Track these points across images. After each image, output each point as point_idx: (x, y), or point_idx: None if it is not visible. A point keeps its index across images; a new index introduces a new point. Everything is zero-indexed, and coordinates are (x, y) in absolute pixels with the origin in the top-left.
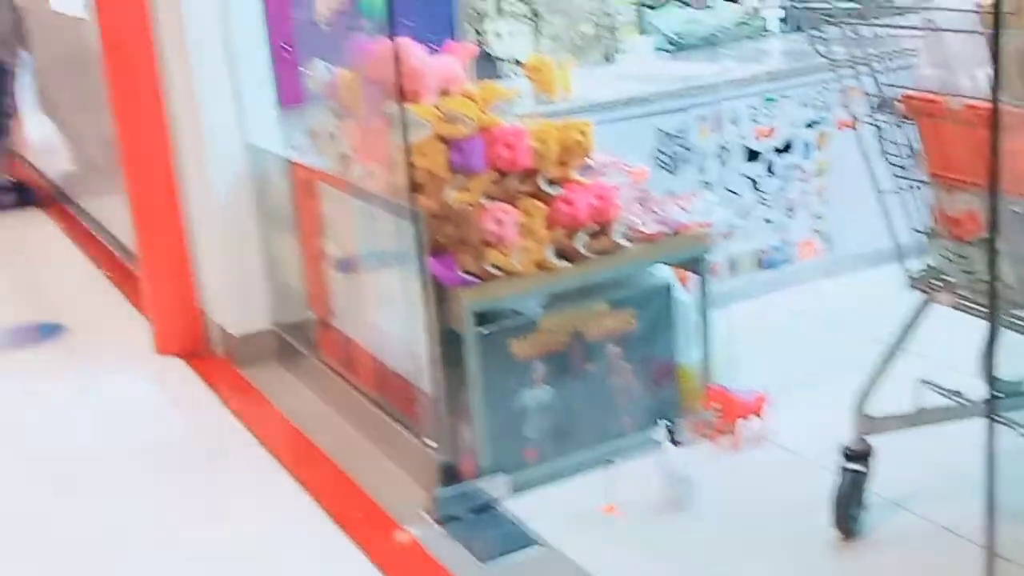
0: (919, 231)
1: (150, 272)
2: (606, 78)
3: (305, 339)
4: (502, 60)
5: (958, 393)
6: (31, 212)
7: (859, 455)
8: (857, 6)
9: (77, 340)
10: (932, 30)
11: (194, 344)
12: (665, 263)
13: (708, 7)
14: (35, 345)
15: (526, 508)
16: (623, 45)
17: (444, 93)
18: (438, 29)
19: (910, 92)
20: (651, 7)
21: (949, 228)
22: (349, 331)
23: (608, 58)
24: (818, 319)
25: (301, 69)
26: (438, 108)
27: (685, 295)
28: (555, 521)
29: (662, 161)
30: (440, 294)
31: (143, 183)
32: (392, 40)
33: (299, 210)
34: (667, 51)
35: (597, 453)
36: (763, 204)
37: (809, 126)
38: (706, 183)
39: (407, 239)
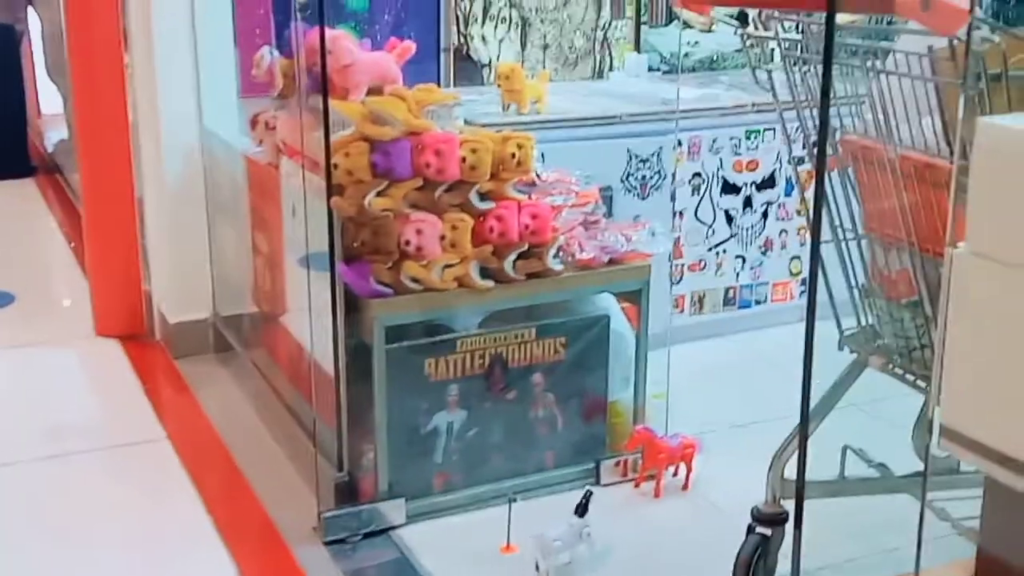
0: (853, 287)
1: (95, 251)
2: (587, 93)
3: (242, 334)
4: (484, 66)
5: (883, 465)
6: (26, 181)
7: (769, 518)
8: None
9: (21, 312)
10: (877, 72)
11: (133, 328)
12: (599, 292)
13: (711, 31)
14: None
15: (421, 538)
16: (616, 62)
17: (376, 92)
18: (422, 28)
19: (849, 136)
20: (651, 25)
21: (884, 287)
22: (282, 330)
23: (598, 73)
24: (779, 365)
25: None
26: (366, 106)
27: (626, 328)
28: (447, 555)
29: (631, 185)
30: (352, 304)
31: (97, 159)
32: (323, 30)
33: (247, 200)
34: (661, 72)
35: (510, 487)
36: (737, 239)
37: (796, 163)
38: (677, 212)
39: (321, 242)
